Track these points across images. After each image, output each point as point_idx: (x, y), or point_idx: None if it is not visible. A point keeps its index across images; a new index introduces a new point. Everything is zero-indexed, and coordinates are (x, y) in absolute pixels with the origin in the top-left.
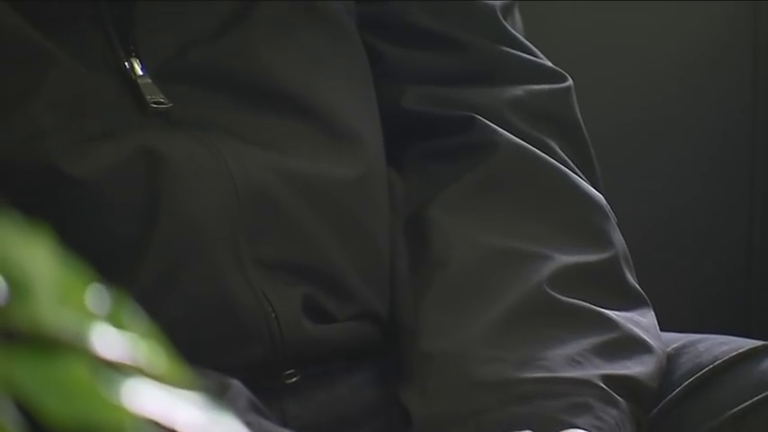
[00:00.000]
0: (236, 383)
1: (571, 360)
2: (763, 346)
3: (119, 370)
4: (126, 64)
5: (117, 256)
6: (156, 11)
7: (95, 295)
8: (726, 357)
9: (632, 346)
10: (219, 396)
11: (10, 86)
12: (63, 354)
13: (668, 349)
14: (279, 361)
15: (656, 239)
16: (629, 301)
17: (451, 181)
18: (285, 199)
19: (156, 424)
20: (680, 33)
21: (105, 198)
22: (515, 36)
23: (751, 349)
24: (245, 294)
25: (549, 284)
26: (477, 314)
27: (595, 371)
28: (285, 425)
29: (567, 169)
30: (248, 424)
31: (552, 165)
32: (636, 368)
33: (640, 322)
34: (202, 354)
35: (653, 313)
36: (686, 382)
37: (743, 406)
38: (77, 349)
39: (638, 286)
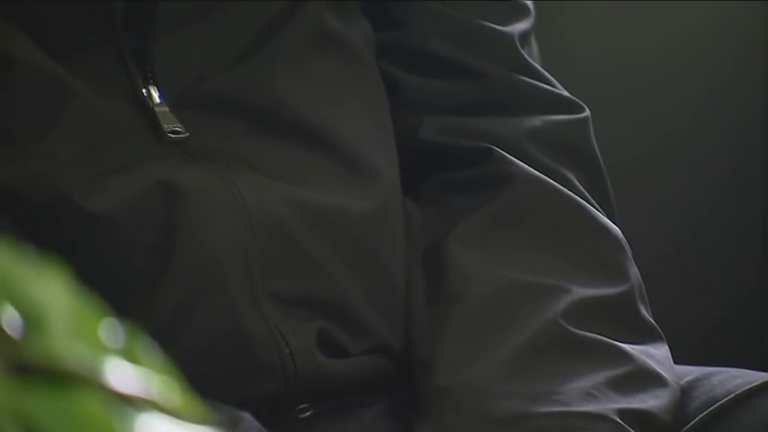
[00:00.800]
0: (247, 417)
1: (587, 394)
2: None
3: (132, 404)
4: (144, 92)
5: (132, 288)
6: (174, 39)
7: (109, 329)
8: (739, 391)
9: (647, 379)
10: (231, 430)
11: (27, 119)
12: (77, 387)
13: (682, 382)
14: (292, 395)
15: (670, 269)
16: (644, 335)
17: (469, 213)
18: (300, 232)
19: None
20: (694, 64)
21: (121, 231)
22: (533, 65)
23: (765, 383)
24: (259, 328)
25: (564, 318)
26: (493, 348)
27: (611, 405)
28: None
29: (584, 201)
30: None
31: (569, 197)
32: (651, 402)
33: (655, 355)
34: (216, 387)
35: (667, 346)
36: (700, 416)
37: None
38: (91, 383)
39: (652, 320)
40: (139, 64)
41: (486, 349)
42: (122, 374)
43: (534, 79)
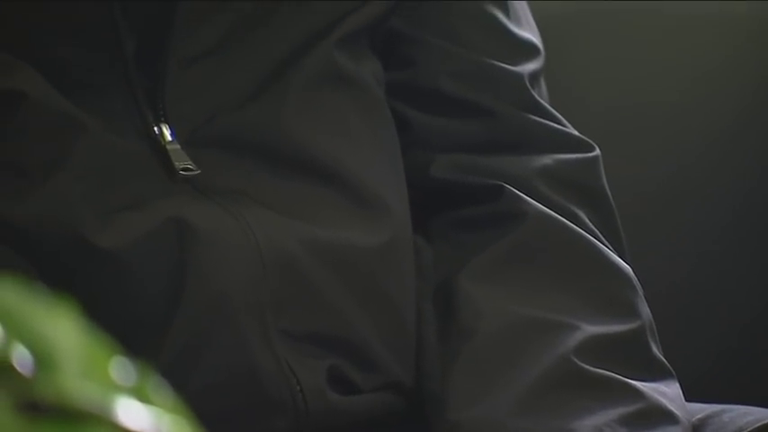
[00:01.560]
0: None
1: (598, 431)
2: None
3: None
4: (155, 129)
5: (143, 325)
6: (185, 78)
7: (120, 367)
8: (750, 429)
9: (658, 416)
10: None
11: (39, 156)
12: (88, 426)
13: (694, 420)
14: None
15: (682, 305)
16: (655, 372)
17: (480, 250)
18: (311, 268)
19: None
20: (706, 101)
21: (133, 268)
22: (543, 105)
23: None
24: (270, 365)
25: (576, 355)
26: (505, 384)
27: None
28: None
29: (594, 239)
30: None
31: (580, 235)
32: None
33: (666, 393)
34: (226, 424)
35: (678, 384)
36: None
37: None
38: (102, 422)
39: (663, 357)
40: (151, 102)
41: (498, 385)
42: (133, 413)
43: (544, 118)
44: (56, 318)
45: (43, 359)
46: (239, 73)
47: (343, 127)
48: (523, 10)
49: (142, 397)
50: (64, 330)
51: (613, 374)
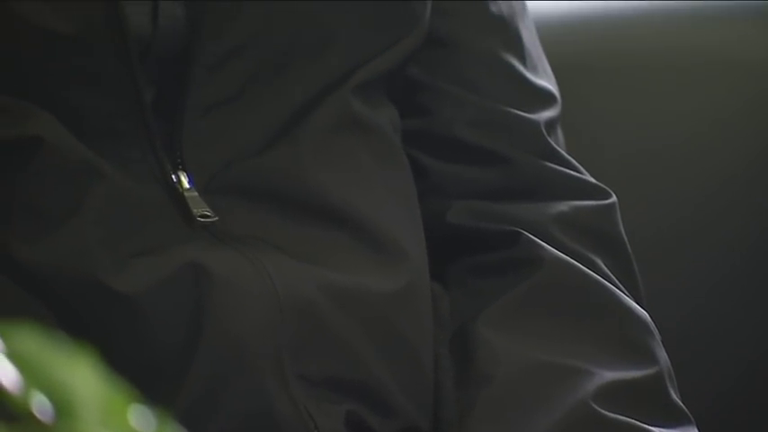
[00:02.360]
0: None
1: None
2: None
3: None
4: (173, 177)
5: (161, 371)
6: (203, 125)
7: (139, 414)
8: None
9: None
10: None
11: (57, 201)
12: None
13: None
14: None
15: (698, 350)
16: (674, 419)
17: (497, 296)
18: (328, 314)
19: None
20: (718, 148)
21: (150, 313)
22: (559, 152)
23: None
24: (288, 410)
25: (595, 400)
26: (523, 429)
27: None
28: None
29: (611, 285)
30: None
31: (597, 281)
32: None
33: None
34: None
35: (696, 430)
36: None
37: None
38: None
39: (681, 403)
40: (169, 150)
41: (517, 431)
42: None
43: (561, 166)
44: (75, 365)
45: (62, 407)
46: (256, 120)
47: (360, 173)
48: (540, 58)
49: None
50: (83, 378)
51: (632, 420)
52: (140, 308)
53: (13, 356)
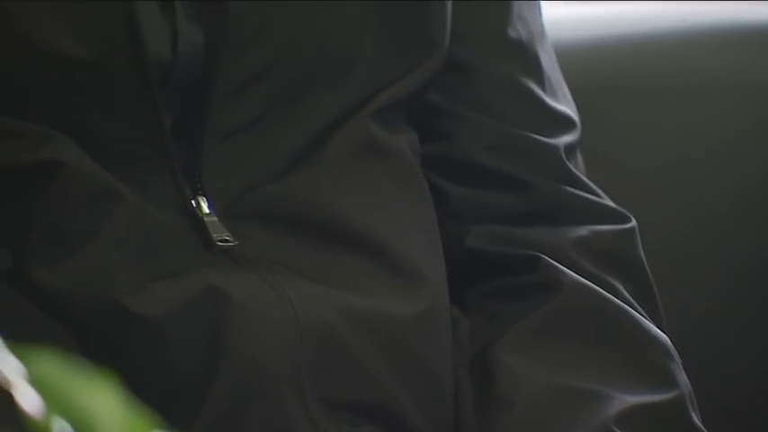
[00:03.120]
0: None
1: None
2: None
3: None
4: (192, 202)
5: (180, 394)
6: (222, 151)
7: None
8: None
9: None
10: None
11: (77, 224)
12: None
13: None
14: None
15: (717, 376)
16: None
17: (517, 320)
18: (348, 337)
19: None
20: (738, 168)
21: (169, 337)
22: (579, 176)
23: None
24: None
25: (616, 424)
26: None
27: None
28: None
29: (631, 309)
30: None
31: (617, 305)
32: None
33: None
34: None
35: None
36: None
37: None
38: None
39: (702, 427)
40: (188, 175)
41: None
42: None
43: (580, 190)
44: (95, 390)
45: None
46: (275, 146)
47: (379, 197)
48: (559, 83)
49: None
50: (104, 402)
51: None
52: (160, 331)
53: (35, 381)
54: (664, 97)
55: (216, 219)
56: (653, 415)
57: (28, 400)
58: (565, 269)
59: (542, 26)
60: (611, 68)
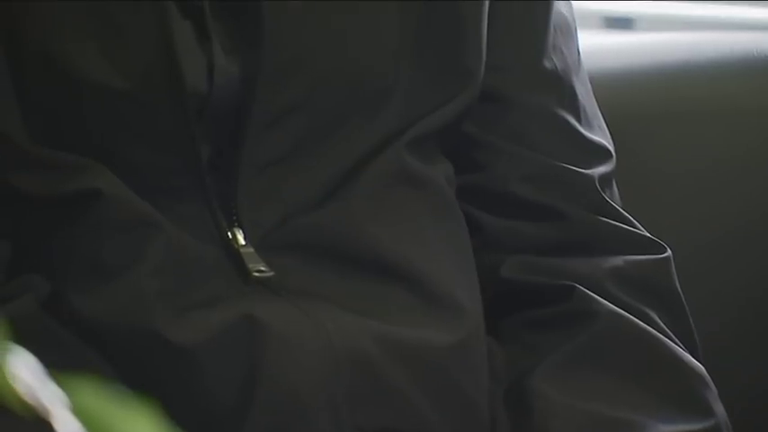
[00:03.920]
0: None
1: None
2: None
3: None
4: (229, 234)
5: (217, 422)
6: (258, 182)
7: None
8: None
9: None
10: None
11: (115, 253)
12: None
13: None
14: None
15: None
16: None
17: (552, 350)
18: (384, 367)
19: None
20: None
21: (206, 365)
22: (614, 207)
23: None
24: None
25: None
26: None
27: None
28: None
29: (666, 339)
30: None
31: (652, 334)
32: None
33: None
34: None
35: None
36: None
37: None
38: None
39: None
40: (224, 207)
41: None
42: None
43: (615, 220)
44: (136, 418)
45: None
46: (311, 176)
47: (415, 228)
48: (594, 113)
49: None
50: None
51: None
52: (197, 360)
53: (77, 410)
54: (698, 126)
55: (252, 250)
56: None
57: (71, 428)
58: (600, 299)
59: (578, 56)
60: (645, 98)
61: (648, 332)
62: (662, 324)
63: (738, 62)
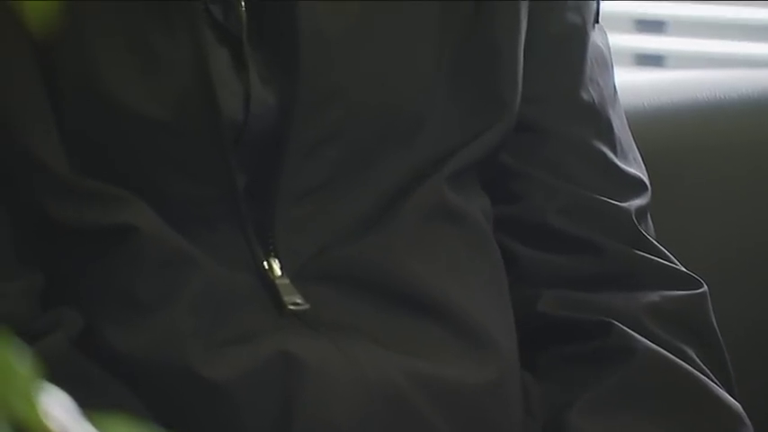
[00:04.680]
0: None
1: None
2: None
3: None
4: (265, 264)
5: None
6: (295, 212)
7: None
8: None
9: None
10: None
11: (151, 289)
12: None
13: None
14: None
15: None
16: None
17: (589, 386)
18: (418, 403)
19: None
20: None
21: (241, 401)
22: (650, 240)
23: None
24: None
25: None
26: None
27: None
28: None
29: (703, 377)
30: None
31: (689, 372)
32: None
33: None
34: None
35: None
36: None
37: None
38: None
39: None
40: (261, 237)
41: None
42: None
43: (651, 254)
44: None
45: None
46: (347, 208)
47: (452, 262)
48: (630, 146)
49: None
50: None
51: None
52: (231, 396)
53: None
54: (728, 160)
55: (288, 281)
56: None
57: None
58: (637, 336)
59: (614, 88)
60: (681, 132)
61: (685, 370)
62: (699, 361)
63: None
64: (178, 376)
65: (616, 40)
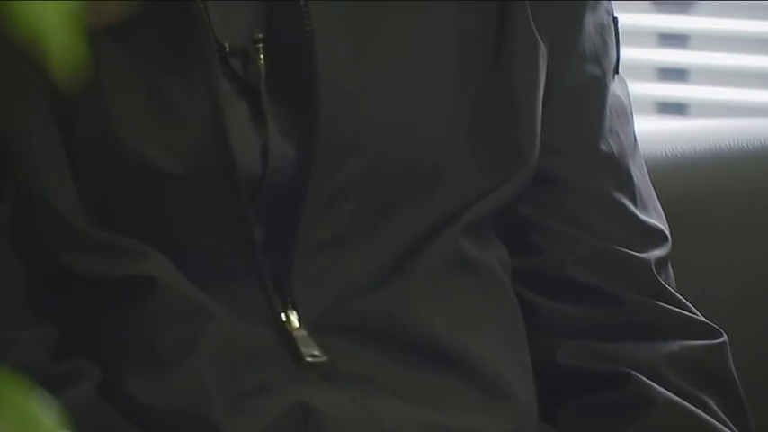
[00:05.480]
0: None
1: None
2: None
3: None
4: (282, 316)
5: None
6: (312, 264)
7: None
8: None
9: None
10: None
11: (171, 341)
12: None
13: None
14: None
15: None
16: None
17: None
18: None
19: None
20: None
21: None
22: (670, 291)
23: None
24: None
25: None
26: None
27: None
28: None
29: (723, 427)
30: None
31: (708, 422)
32: None
33: None
34: None
35: None
36: None
37: None
38: None
39: None
40: (278, 289)
41: None
42: None
43: (671, 305)
44: None
45: None
46: (365, 259)
47: (469, 314)
48: (650, 196)
49: None
50: None
51: None
52: None
53: None
54: (751, 210)
55: (305, 333)
56: None
57: None
58: (656, 386)
59: (634, 138)
60: (702, 182)
61: (705, 421)
62: (719, 411)
63: None
64: (199, 430)
65: (638, 88)
